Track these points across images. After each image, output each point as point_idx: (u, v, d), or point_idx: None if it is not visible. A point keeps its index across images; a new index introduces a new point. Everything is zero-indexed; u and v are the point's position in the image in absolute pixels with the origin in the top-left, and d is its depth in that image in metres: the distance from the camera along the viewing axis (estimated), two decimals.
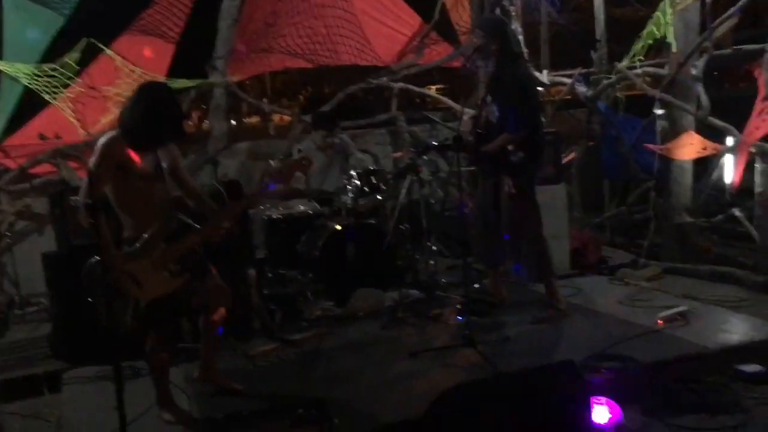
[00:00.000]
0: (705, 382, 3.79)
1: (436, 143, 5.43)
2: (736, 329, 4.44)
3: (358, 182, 5.61)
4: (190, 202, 3.63)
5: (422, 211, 5.61)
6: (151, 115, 3.34)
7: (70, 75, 6.16)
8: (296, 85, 18.73)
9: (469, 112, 6.55)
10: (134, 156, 3.38)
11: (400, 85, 7.90)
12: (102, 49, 6.37)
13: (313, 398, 3.63)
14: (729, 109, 5.67)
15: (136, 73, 6.04)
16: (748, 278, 5.35)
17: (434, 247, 5.92)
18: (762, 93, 5.04)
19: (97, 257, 3.03)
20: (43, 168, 6.41)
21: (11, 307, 5.80)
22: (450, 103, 8.39)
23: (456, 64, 8.35)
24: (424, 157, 5.41)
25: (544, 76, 7.02)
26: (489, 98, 4.78)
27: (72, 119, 6.41)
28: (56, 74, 6.12)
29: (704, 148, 5.64)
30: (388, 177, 5.97)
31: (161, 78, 6.49)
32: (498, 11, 7.22)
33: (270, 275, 5.61)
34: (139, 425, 3.50)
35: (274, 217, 5.70)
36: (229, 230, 3.51)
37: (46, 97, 6.27)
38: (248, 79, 11.29)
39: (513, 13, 7.18)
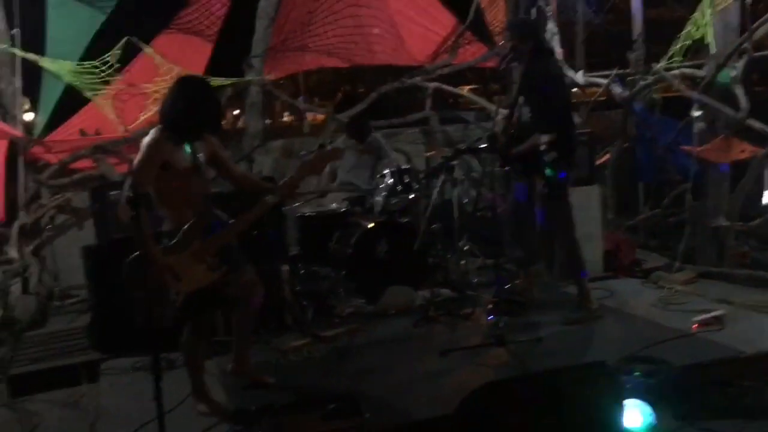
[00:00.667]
0: (741, 387, 3.73)
1: (464, 147, 5.43)
2: None
3: (390, 181, 5.63)
4: (240, 186, 3.69)
5: (454, 211, 5.61)
6: (192, 107, 3.41)
7: (111, 72, 6.28)
8: (329, 84, 18.79)
9: (503, 113, 6.55)
10: (176, 153, 3.43)
11: (434, 84, 7.91)
12: (142, 48, 6.49)
13: (343, 393, 3.67)
14: (762, 112, 5.59)
15: (174, 72, 6.13)
16: None
17: (466, 247, 5.93)
18: None
19: (138, 252, 3.09)
20: (83, 163, 6.54)
21: (51, 298, 5.94)
22: (483, 102, 8.38)
23: (490, 64, 8.34)
24: (453, 162, 5.41)
25: (579, 77, 6.98)
26: (522, 99, 4.78)
27: (112, 116, 6.54)
28: (97, 71, 6.25)
29: (742, 151, 5.56)
30: (420, 176, 5.99)
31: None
32: (534, 11, 7.21)
33: (302, 272, 5.65)
34: (175, 416, 3.55)
35: (307, 214, 5.75)
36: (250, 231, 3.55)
37: (87, 94, 6.41)
38: (282, 78, 11.37)
39: (549, 13, 7.15)
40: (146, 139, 3.43)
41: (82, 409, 4.01)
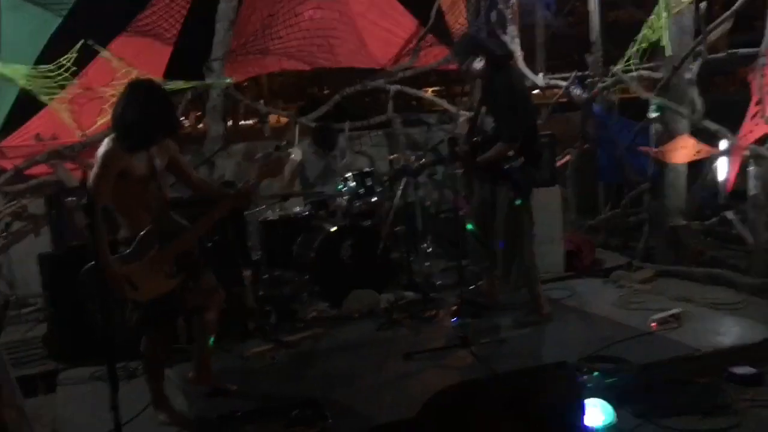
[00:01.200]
0: (697, 384, 3.80)
1: (431, 159, 5.44)
2: (729, 331, 4.46)
3: (353, 184, 5.63)
4: (197, 192, 3.64)
5: (417, 213, 5.63)
6: (143, 113, 3.31)
7: (67, 76, 6.16)
8: (293, 87, 18.73)
9: (464, 115, 6.58)
10: (132, 161, 3.37)
11: (396, 87, 7.92)
12: (98, 51, 6.37)
13: (307, 398, 3.65)
14: (720, 113, 5.71)
15: (132, 74, 6.04)
16: (741, 281, 5.37)
17: (429, 249, 5.95)
18: (755, 97, 5.07)
19: (94, 261, 3.04)
20: (40, 169, 6.41)
21: (7, 308, 5.80)
22: (446, 105, 8.41)
23: (452, 66, 8.37)
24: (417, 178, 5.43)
25: (539, 79, 7.05)
26: (483, 109, 4.80)
27: (68, 120, 6.41)
28: (53, 75, 6.13)
29: (698, 152, 5.67)
30: (383, 179, 5.99)
31: (158, 79, 6.49)
32: (493, 15, 7.26)
33: (265, 276, 5.62)
34: (134, 426, 3.49)
35: (270, 218, 5.71)
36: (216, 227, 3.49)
37: (43, 98, 6.28)
38: (245, 81, 11.30)
39: (509, 16, 7.22)
40: (101, 150, 3.34)
41: (40, 420, 3.92)
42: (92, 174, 3.31)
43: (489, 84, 4.70)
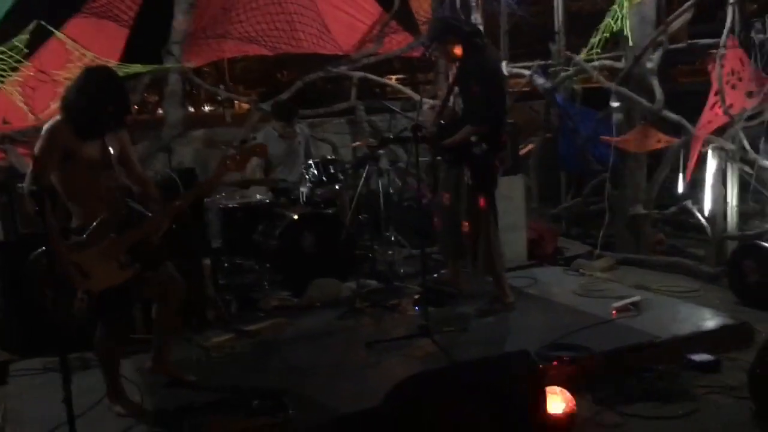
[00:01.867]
0: (656, 371, 3.84)
1: (392, 136, 5.41)
2: (687, 319, 4.52)
3: (316, 171, 5.56)
4: (135, 188, 3.55)
5: (381, 201, 5.59)
6: (95, 101, 3.24)
7: (19, 58, 5.97)
8: (255, 73, 18.49)
9: (428, 102, 6.55)
10: (80, 144, 3.27)
11: (360, 74, 7.85)
12: (52, 32, 6.18)
13: (268, 389, 3.60)
14: (680, 103, 5.78)
15: (87, 57, 5.87)
16: (699, 269, 5.47)
17: (392, 237, 5.93)
18: (714, 87, 5.14)
19: (43, 247, 2.93)
20: None
21: None
22: (409, 92, 8.38)
23: (416, 54, 8.34)
24: (380, 151, 5.39)
25: (503, 68, 7.04)
26: (457, 89, 4.77)
27: (21, 104, 6.21)
28: (4, 57, 5.92)
29: (658, 141, 5.73)
30: (346, 166, 5.94)
31: (114, 63, 6.33)
32: (458, 2, 7.23)
33: (226, 265, 5.55)
34: (89, 418, 3.41)
35: (231, 206, 5.62)
36: (170, 226, 3.42)
37: None
38: (206, 66, 11.11)
39: (473, 4, 7.19)
40: (46, 126, 3.27)
41: None
42: (36, 148, 3.21)
43: (462, 65, 4.67)
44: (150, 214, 3.45)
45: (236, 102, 11.42)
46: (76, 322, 3.20)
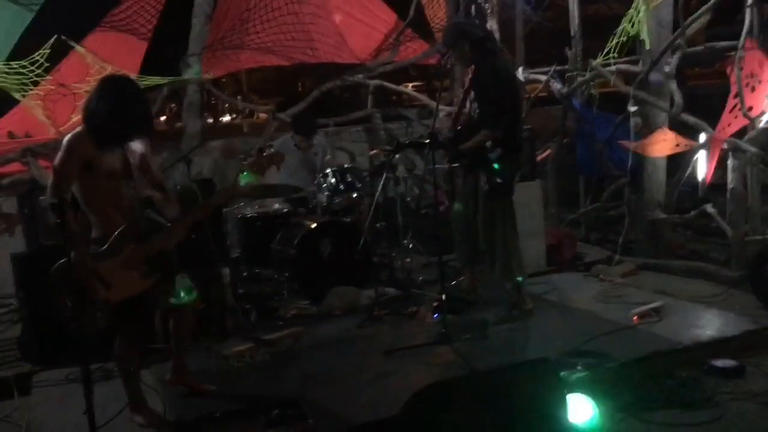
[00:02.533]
0: (679, 378, 3.81)
1: (408, 141, 5.41)
2: (709, 324, 4.47)
3: (333, 180, 5.58)
4: (155, 196, 3.58)
5: (398, 209, 5.59)
6: (116, 110, 3.25)
7: (40, 72, 6.05)
8: (272, 83, 18.61)
9: (444, 109, 6.56)
10: (102, 154, 3.30)
11: (376, 82, 7.88)
12: (72, 46, 6.27)
13: (288, 398, 3.60)
14: (698, 106, 5.72)
15: (107, 70, 5.94)
16: (721, 273, 5.40)
17: (410, 245, 5.92)
18: (734, 90, 5.08)
19: (65, 259, 2.96)
20: (13, 167, 6.30)
21: None
22: (425, 100, 8.38)
23: (432, 61, 8.35)
24: (397, 156, 5.39)
25: (519, 73, 7.03)
26: (472, 95, 4.78)
27: (42, 117, 6.31)
28: (26, 72, 6.01)
29: (677, 145, 5.67)
30: (363, 174, 5.95)
31: (133, 75, 6.40)
32: (473, 9, 7.24)
33: (245, 274, 5.57)
34: (111, 428, 3.44)
35: (249, 215, 5.65)
36: (189, 236, 3.45)
37: (16, 95, 6.17)
38: (223, 77, 11.20)
39: (488, 11, 7.20)
40: (67, 137, 3.29)
41: (14, 423, 3.84)
42: (56, 160, 3.24)
43: (476, 70, 4.68)
44: (168, 224, 3.48)
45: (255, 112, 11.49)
46: (97, 332, 3.23)
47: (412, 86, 14.46)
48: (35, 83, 6.08)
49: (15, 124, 6.58)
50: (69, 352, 3.16)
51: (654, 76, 5.81)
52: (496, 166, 4.53)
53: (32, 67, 5.98)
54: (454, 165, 5.53)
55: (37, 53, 5.97)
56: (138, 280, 3.36)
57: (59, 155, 3.26)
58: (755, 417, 3.45)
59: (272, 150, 3.78)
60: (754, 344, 4.18)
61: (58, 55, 6.19)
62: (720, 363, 3.91)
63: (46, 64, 6.01)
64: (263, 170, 3.68)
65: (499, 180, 4.61)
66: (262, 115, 9.47)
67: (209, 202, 3.65)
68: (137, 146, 3.47)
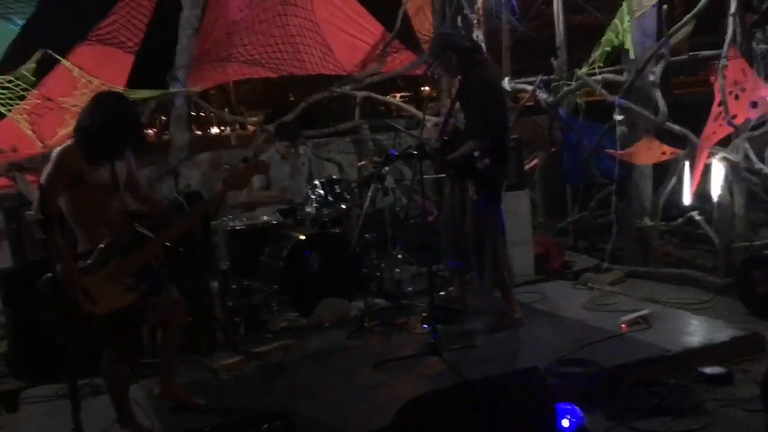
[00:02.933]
0: (668, 385, 3.82)
1: (396, 153, 5.42)
2: (698, 331, 4.49)
3: (322, 191, 5.57)
4: (142, 206, 3.57)
5: (387, 220, 5.60)
6: (108, 127, 3.27)
7: (26, 86, 6.04)
8: (260, 95, 18.63)
9: (431, 120, 6.58)
10: (91, 168, 3.30)
11: (364, 93, 7.90)
12: (58, 60, 6.25)
13: (277, 412, 3.58)
14: (683, 115, 5.77)
15: (93, 84, 5.93)
16: (708, 281, 5.43)
17: (399, 255, 5.92)
18: (718, 98, 5.13)
19: (50, 274, 2.95)
20: None
21: None
22: (413, 110, 8.41)
23: (418, 72, 8.39)
24: (386, 168, 5.40)
25: (505, 83, 7.07)
26: (458, 105, 4.80)
27: (28, 131, 6.28)
28: (11, 86, 5.99)
29: (663, 153, 5.72)
30: (352, 186, 5.95)
31: (120, 88, 6.39)
32: (459, 20, 7.28)
33: (234, 287, 5.53)
34: None
35: (238, 227, 5.63)
36: (182, 237, 3.44)
37: (1, 109, 6.14)
38: (211, 89, 11.20)
39: (475, 22, 7.24)
40: (56, 150, 3.29)
41: None
42: (45, 173, 3.23)
43: (462, 80, 4.70)
44: (154, 237, 3.48)
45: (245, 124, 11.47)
46: (85, 348, 3.21)
47: (400, 96, 14.51)
48: (21, 97, 6.06)
49: (0, 139, 6.54)
50: (57, 368, 3.12)
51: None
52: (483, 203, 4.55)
53: (18, 81, 5.96)
54: (439, 176, 5.56)
55: (23, 67, 5.95)
56: (124, 294, 3.34)
57: (48, 169, 3.25)
58: (744, 423, 3.46)
59: (256, 159, 3.79)
60: (743, 351, 4.20)
61: (45, 68, 6.17)
62: (708, 370, 3.92)
63: (33, 79, 5.99)
64: (247, 181, 3.68)
65: (486, 189, 4.63)
66: (251, 128, 9.47)
67: (195, 212, 3.62)
68: (125, 159, 3.47)
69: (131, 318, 3.42)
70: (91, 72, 6.23)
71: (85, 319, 3.20)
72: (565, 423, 3.33)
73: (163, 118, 9.63)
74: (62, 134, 6.19)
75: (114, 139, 3.31)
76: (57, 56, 6.19)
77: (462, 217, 4.84)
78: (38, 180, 5.94)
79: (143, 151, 3.65)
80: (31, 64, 5.97)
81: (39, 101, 6.21)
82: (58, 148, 3.30)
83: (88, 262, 3.29)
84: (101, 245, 3.29)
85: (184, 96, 7.07)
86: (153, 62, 7.15)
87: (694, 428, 3.43)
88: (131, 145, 3.45)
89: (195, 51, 7.18)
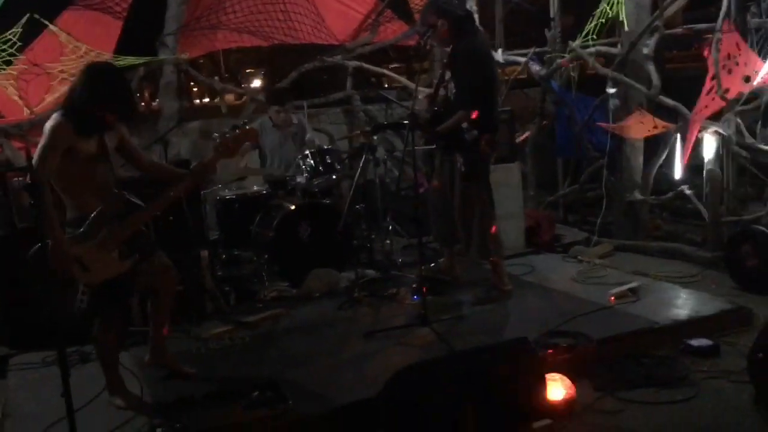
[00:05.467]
0: (655, 357, 3.86)
1: (387, 123, 5.39)
2: (685, 304, 4.52)
3: (312, 162, 5.54)
4: (150, 174, 3.57)
5: (378, 191, 5.58)
6: (98, 97, 3.23)
7: (13, 51, 5.94)
8: (250, 64, 18.42)
9: (423, 91, 6.53)
10: (82, 140, 3.26)
11: (355, 63, 7.82)
12: (45, 25, 6.15)
13: (267, 380, 3.60)
14: (676, 88, 5.76)
15: (81, 50, 5.85)
16: (697, 254, 5.47)
17: (390, 227, 5.92)
18: (711, 72, 5.12)
19: (42, 243, 2.92)
20: None
21: None
22: (405, 81, 8.35)
23: (411, 42, 8.30)
24: (375, 137, 5.36)
25: (498, 55, 7.02)
26: (448, 75, 4.75)
27: (15, 97, 6.20)
28: None
29: (655, 127, 5.71)
30: (343, 156, 5.92)
31: (108, 55, 6.30)
32: None
33: (224, 256, 5.53)
34: (89, 411, 3.41)
35: (228, 197, 5.60)
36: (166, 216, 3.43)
37: None
38: (200, 58, 11.05)
39: None
40: (48, 124, 3.23)
41: None
42: (38, 148, 3.19)
43: (454, 49, 4.65)
44: (143, 205, 3.45)
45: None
46: (76, 316, 3.20)
47: (391, 68, 14.38)
48: (8, 62, 5.97)
49: None
50: (44, 335, 3.11)
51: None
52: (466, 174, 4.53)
53: (5, 46, 5.86)
54: (430, 147, 5.53)
55: (9, 31, 5.85)
56: (116, 262, 3.32)
57: (41, 143, 3.20)
58: (730, 395, 3.50)
59: (246, 126, 3.75)
60: (730, 324, 4.25)
61: (32, 33, 6.07)
62: (696, 342, 3.96)
63: (19, 43, 5.89)
64: (237, 148, 3.65)
65: (473, 161, 4.61)
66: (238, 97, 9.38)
67: (185, 179, 3.58)
68: (115, 128, 3.43)
69: (124, 286, 3.40)
70: (78, 37, 6.13)
71: (77, 287, 3.18)
72: (554, 393, 3.35)
73: (152, 91, 9.51)
74: (49, 101, 6.12)
75: (104, 109, 3.27)
76: (44, 21, 6.08)
77: (451, 188, 4.82)
78: (25, 146, 5.92)
79: (135, 120, 3.60)
80: (18, 29, 5.86)
81: (26, 67, 6.11)
82: (51, 122, 3.24)
83: (80, 230, 3.26)
84: (93, 214, 3.26)
85: (173, 63, 6.97)
86: (142, 28, 7.04)
87: (681, 399, 3.48)
88: (122, 115, 3.40)
89: (185, 17, 7.06)
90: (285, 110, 5.99)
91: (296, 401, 3.39)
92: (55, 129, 3.21)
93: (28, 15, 5.90)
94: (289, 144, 6.03)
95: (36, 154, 3.19)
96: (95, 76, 3.29)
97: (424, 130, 4.89)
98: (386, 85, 11.52)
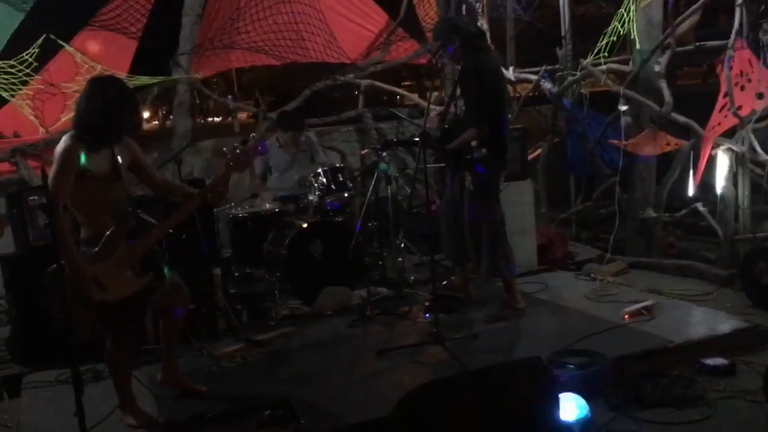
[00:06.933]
0: (670, 376, 3.81)
1: (396, 139, 5.40)
2: (700, 323, 4.49)
3: (324, 180, 5.56)
4: (162, 193, 3.59)
5: (389, 208, 5.58)
6: (103, 110, 3.26)
7: (29, 72, 6.02)
8: (263, 83, 18.56)
9: (435, 109, 6.55)
10: (93, 158, 3.29)
11: (367, 81, 7.87)
12: (62, 46, 6.23)
13: (279, 399, 3.59)
14: (688, 106, 5.74)
15: (96, 70, 5.91)
16: (711, 272, 5.42)
17: (402, 244, 5.91)
18: (723, 89, 5.11)
19: (57, 263, 2.94)
20: (2, 167, 6.25)
21: None
22: (417, 99, 8.38)
23: (422, 60, 8.34)
24: (383, 153, 5.37)
25: (510, 73, 7.04)
26: (458, 93, 4.76)
27: (31, 117, 6.27)
28: (14, 71, 5.98)
29: (667, 144, 5.70)
30: (355, 174, 5.93)
31: (122, 74, 6.37)
32: (463, 8, 7.24)
33: (236, 274, 5.54)
34: (101, 430, 3.42)
35: (240, 215, 5.62)
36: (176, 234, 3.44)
37: (4, 94, 6.13)
38: (214, 77, 11.16)
39: (479, 11, 7.20)
40: (59, 147, 3.26)
41: (4, 425, 3.81)
42: (51, 172, 3.22)
43: (462, 67, 4.66)
44: (158, 223, 3.48)
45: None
46: (88, 334, 3.21)
47: (403, 86, 14.45)
48: (24, 83, 6.05)
49: (3, 124, 6.54)
50: (58, 354, 3.12)
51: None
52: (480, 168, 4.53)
53: (21, 67, 5.94)
54: (439, 165, 5.53)
55: (26, 52, 5.93)
56: (132, 281, 3.34)
57: (53, 167, 3.22)
58: (747, 415, 3.46)
59: (255, 138, 3.77)
60: (745, 342, 4.20)
61: (48, 54, 6.16)
62: (711, 361, 3.92)
63: (35, 64, 5.97)
64: (248, 161, 3.68)
65: (482, 180, 4.61)
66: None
67: (195, 199, 3.60)
68: (126, 147, 3.46)
69: (138, 304, 3.41)
70: (94, 58, 6.21)
71: (95, 307, 3.20)
72: (568, 413, 3.32)
73: (165, 110, 9.59)
74: (65, 120, 6.18)
75: (109, 122, 3.29)
76: (60, 42, 6.16)
77: (461, 206, 4.82)
78: (41, 166, 5.97)
79: (138, 133, 3.61)
80: (34, 50, 5.95)
81: (42, 87, 6.19)
82: (61, 145, 3.26)
83: (95, 249, 3.28)
84: (107, 233, 3.29)
85: (187, 83, 7.04)
86: (156, 49, 7.12)
87: (697, 419, 3.43)
88: (128, 125, 3.41)
89: (198, 37, 7.14)
90: (298, 136, 6.01)
91: (308, 420, 3.37)
92: (65, 151, 3.24)
93: (44, 36, 5.99)
94: (297, 164, 6.03)
95: (50, 179, 3.21)
96: (97, 87, 3.33)
97: (434, 148, 4.90)
98: (402, 104, 11.56)
